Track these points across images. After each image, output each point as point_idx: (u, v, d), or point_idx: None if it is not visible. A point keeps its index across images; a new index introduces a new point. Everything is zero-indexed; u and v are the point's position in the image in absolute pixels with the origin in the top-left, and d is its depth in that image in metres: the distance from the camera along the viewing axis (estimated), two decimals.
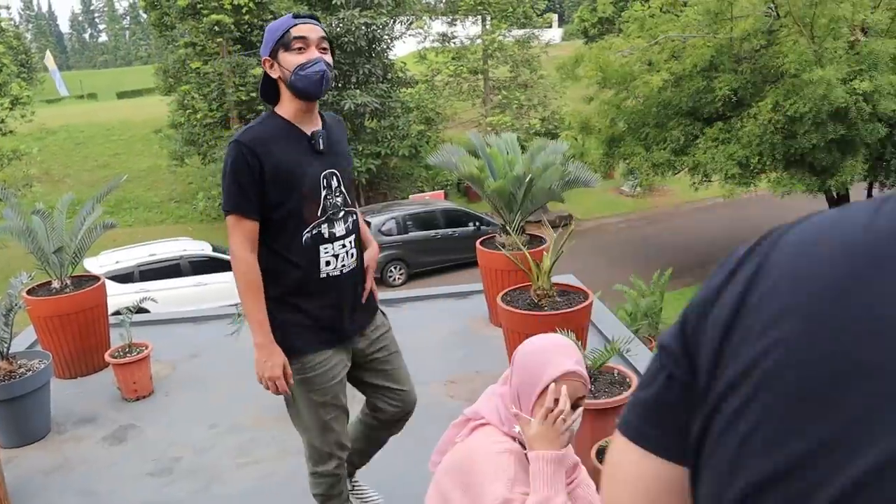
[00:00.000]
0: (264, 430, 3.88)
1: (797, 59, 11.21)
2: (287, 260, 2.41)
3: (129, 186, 21.83)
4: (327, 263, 2.45)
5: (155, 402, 4.32)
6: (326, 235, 2.43)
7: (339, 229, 2.47)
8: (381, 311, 2.82)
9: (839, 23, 11.34)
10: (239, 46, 18.97)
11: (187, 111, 19.22)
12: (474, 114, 23.71)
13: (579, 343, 3.00)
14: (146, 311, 7.24)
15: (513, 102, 22.65)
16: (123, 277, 12.28)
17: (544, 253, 3.86)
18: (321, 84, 2.33)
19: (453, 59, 23.37)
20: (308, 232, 2.40)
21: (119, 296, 10.17)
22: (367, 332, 2.70)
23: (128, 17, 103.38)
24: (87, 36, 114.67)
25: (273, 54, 2.34)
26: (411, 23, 23.23)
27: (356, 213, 2.58)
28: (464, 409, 2.01)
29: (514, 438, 1.86)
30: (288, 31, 2.32)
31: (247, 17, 18.43)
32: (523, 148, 5.08)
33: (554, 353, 1.84)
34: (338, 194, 2.47)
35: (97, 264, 12.14)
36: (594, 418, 2.79)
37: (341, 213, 2.48)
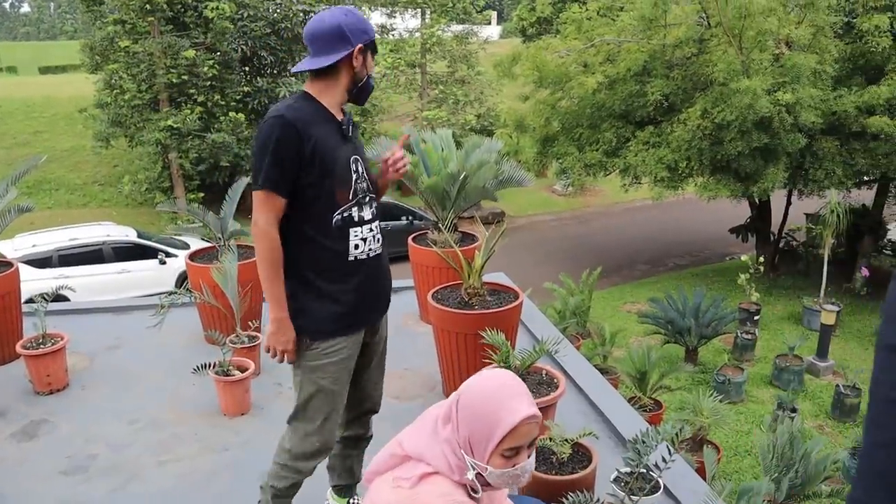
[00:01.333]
0: (186, 426, 3.78)
1: (726, 68, 11.55)
2: (318, 241, 2.45)
3: (50, 167, 20.96)
4: (356, 247, 2.50)
5: (70, 395, 4.15)
6: (356, 219, 2.49)
7: (367, 213, 2.54)
8: None
9: (766, 36, 11.73)
10: (171, 27, 18.36)
11: (114, 91, 18.53)
12: (411, 107, 23.65)
13: (508, 343, 3.02)
14: (65, 298, 6.99)
15: (449, 97, 22.68)
16: (41, 262, 11.81)
17: (476, 251, 3.87)
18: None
19: (391, 51, 23.25)
20: (339, 214, 2.45)
21: (35, 281, 9.77)
22: (378, 326, 2.73)
23: None
24: (7, 5, 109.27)
25: (365, 49, 2.43)
26: None
27: (377, 201, 2.64)
28: (395, 435, 1.90)
29: (464, 487, 1.80)
30: (374, 37, 2.50)
31: None
32: (458, 145, 5.08)
33: (506, 398, 1.75)
34: (364, 179, 2.53)
35: (12, 248, 11.64)
36: None
37: (368, 198, 2.54)
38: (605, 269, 11.60)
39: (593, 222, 21.12)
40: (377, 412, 2.89)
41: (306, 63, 2.43)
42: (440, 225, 4.65)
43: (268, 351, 2.51)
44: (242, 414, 3.89)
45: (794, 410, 8.10)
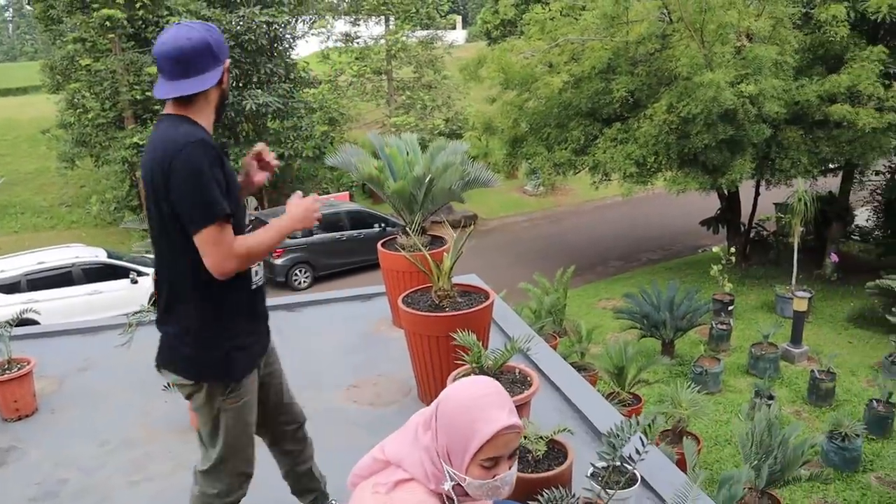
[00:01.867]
0: (159, 444, 3.71)
1: (689, 62, 11.67)
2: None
3: (15, 190, 20.63)
4: (255, 273, 2.46)
5: (39, 420, 4.06)
6: None
7: None
8: None
9: (727, 29, 11.87)
10: (133, 43, 18.18)
11: (77, 110, 18.29)
12: (379, 114, 23.60)
13: (480, 343, 3.00)
14: (33, 322, 6.86)
15: (417, 103, 22.68)
16: (9, 287, 11.61)
17: (444, 254, 3.85)
18: None
19: (357, 59, 23.19)
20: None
21: (3, 307, 9.59)
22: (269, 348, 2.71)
23: (11, 9, 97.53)
24: None
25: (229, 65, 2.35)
26: (314, 22, 22.92)
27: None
28: (377, 444, 1.88)
29: (440, 496, 1.78)
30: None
31: (141, 13, 17.66)
32: (424, 148, 5.06)
33: (484, 407, 1.72)
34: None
35: None
36: None
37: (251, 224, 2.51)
38: (578, 267, 11.65)
39: (565, 221, 21.22)
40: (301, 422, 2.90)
41: (186, 85, 2.25)
42: (408, 229, 4.63)
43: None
44: None
45: (771, 398, 8.18)
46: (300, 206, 2.49)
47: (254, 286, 2.46)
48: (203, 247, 2.20)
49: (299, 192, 2.57)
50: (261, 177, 2.64)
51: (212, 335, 2.36)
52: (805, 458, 5.96)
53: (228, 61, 2.34)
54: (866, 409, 8.18)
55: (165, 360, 2.46)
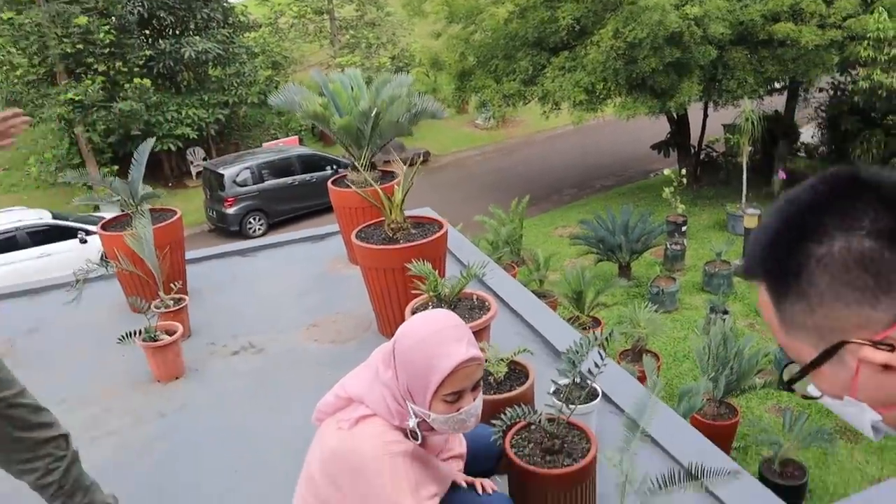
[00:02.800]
0: (118, 399, 3.65)
1: None
2: None
3: None
4: None
5: None
6: None
7: None
8: None
9: None
10: None
11: (4, 68, 17.44)
12: (323, 56, 23.03)
13: (436, 272, 2.98)
14: None
15: (361, 42, 22.18)
16: None
17: (395, 186, 3.79)
18: None
19: None
20: None
21: None
22: None
23: None
24: None
25: None
26: None
27: None
28: (338, 382, 1.86)
29: (404, 432, 1.77)
30: None
31: None
32: (370, 84, 4.95)
33: (441, 342, 1.69)
34: None
35: None
36: None
37: None
38: (533, 197, 11.67)
39: (517, 153, 21.16)
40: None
41: None
42: (357, 164, 4.54)
43: None
44: (177, 378, 3.78)
45: (725, 312, 8.40)
46: None
47: None
48: None
49: None
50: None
51: None
52: (759, 367, 6.16)
53: None
54: None
55: None
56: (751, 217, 10.35)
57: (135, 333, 3.65)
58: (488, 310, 2.98)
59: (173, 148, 18.27)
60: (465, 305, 3.03)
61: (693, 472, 1.65)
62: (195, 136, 18.52)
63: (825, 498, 5.71)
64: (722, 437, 5.80)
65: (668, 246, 10.87)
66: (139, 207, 4.60)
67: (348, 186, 4.44)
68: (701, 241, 11.83)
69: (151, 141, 4.82)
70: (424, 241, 3.54)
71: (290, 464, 2.12)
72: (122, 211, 4.68)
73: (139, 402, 3.59)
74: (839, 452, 6.32)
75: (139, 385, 3.77)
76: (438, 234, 3.62)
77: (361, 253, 3.63)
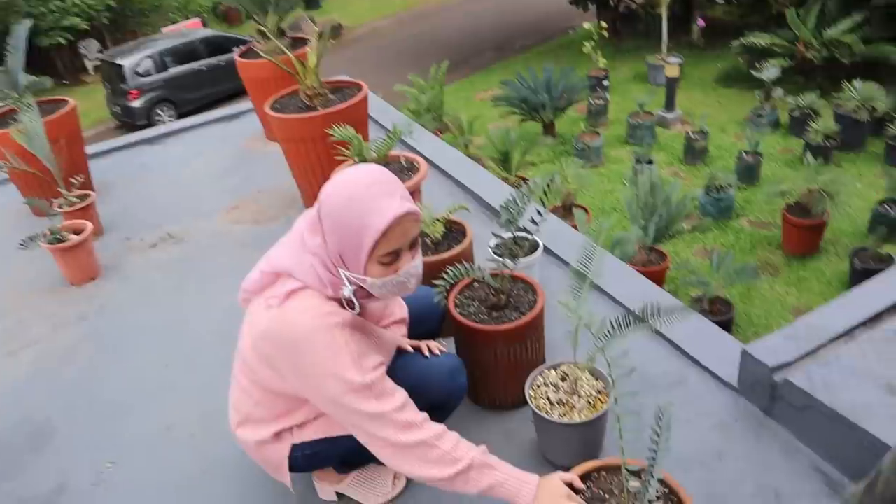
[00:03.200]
0: (32, 309, 3.39)
1: None
2: None
3: None
4: None
5: None
6: None
7: None
8: None
9: None
10: None
11: None
12: None
13: (360, 136, 2.78)
14: None
15: None
16: None
17: (308, 51, 3.50)
18: None
19: None
20: None
21: None
22: None
23: None
24: None
25: None
26: None
27: None
28: (263, 256, 1.70)
29: (340, 302, 1.62)
30: None
31: None
32: None
33: (372, 197, 1.50)
34: None
35: None
36: None
37: None
38: (452, 62, 11.30)
39: (433, 17, 20.38)
40: None
41: None
42: (265, 31, 4.19)
43: None
44: (92, 279, 3.55)
45: (650, 162, 8.46)
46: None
47: None
48: None
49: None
50: None
51: None
52: (686, 212, 6.27)
53: None
54: (737, 161, 8.60)
55: None
56: (672, 66, 10.27)
57: (37, 237, 3.37)
58: (418, 170, 2.83)
59: (63, 42, 16.88)
60: (394, 168, 2.86)
61: (645, 313, 1.59)
62: (86, 28, 17.12)
63: (749, 329, 5.98)
64: (653, 281, 5.94)
65: (591, 101, 10.77)
66: (23, 99, 4.17)
67: (258, 57, 4.11)
68: (623, 94, 11.76)
69: (28, 23, 4.32)
70: (344, 105, 3.31)
71: (225, 351, 1.99)
72: (5, 105, 4.25)
73: (55, 309, 3.36)
74: (762, 286, 6.59)
75: (53, 291, 3.52)
76: (359, 97, 3.39)
77: (279, 125, 3.38)
